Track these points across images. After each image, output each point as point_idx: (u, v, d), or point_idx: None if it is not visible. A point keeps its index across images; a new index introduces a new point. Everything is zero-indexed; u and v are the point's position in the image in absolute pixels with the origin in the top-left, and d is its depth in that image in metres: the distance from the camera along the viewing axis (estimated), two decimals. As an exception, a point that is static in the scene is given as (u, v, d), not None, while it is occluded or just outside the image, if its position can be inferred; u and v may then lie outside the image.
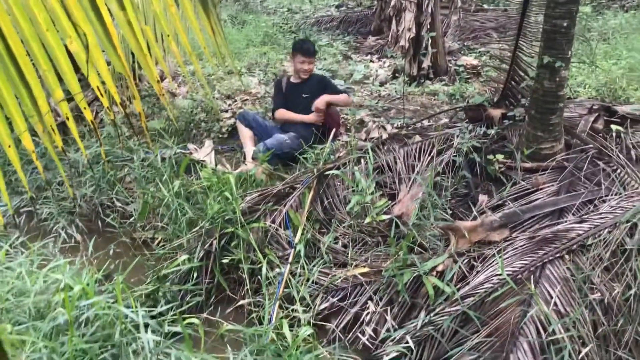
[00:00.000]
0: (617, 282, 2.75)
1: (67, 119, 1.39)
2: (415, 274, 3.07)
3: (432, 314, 2.88)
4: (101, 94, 1.37)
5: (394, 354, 2.85)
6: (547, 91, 3.59)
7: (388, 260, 3.29)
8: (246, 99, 6.22)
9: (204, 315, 3.22)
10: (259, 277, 3.31)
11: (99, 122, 5.62)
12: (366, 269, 3.29)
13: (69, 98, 1.63)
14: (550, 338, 2.56)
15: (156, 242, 3.99)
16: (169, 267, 3.34)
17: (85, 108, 1.55)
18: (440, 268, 3.10)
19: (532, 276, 2.83)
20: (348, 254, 3.46)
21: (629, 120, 4.09)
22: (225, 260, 3.38)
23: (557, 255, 2.91)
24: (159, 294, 3.22)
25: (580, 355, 2.50)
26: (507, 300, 2.71)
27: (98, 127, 5.29)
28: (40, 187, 4.56)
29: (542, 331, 2.60)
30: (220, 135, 5.52)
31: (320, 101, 4.90)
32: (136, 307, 2.55)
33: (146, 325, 2.44)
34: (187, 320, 2.64)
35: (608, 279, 2.78)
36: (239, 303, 3.33)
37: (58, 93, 1.57)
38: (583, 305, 2.68)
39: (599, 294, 2.72)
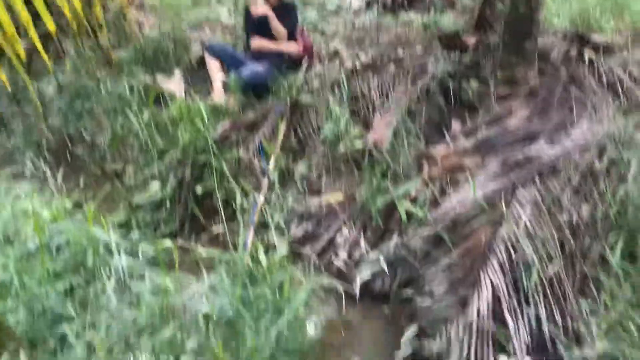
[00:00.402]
0: (585, 203, 2.81)
1: (27, 23, 1.32)
2: (388, 200, 3.09)
3: (405, 237, 2.92)
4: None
5: (367, 277, 2.90)
6: (522, 15, 3.54)
7: (362, 187, 3.30)
8: (216, 29, 6.02)
9: (179, 242, 3.21)
10: (233, 206, 3.29)
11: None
12: (340, 196, 3.29)
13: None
14: (519, 257, 2.62)
15: (127, 174, 3.91)
16: (142, 196, 3.30)
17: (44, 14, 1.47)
18: (413, 193, 3.12)
19: (503, 199, 2.87)
20: (322, 181, 3.45)
21: (601, 48, 4.09)
22: (198, 189, 3.34)
23: (529, 178, 2.95)
24: (132, 222, 3.19)
25: (548, 273, 2.57)
26: (478, 220, 2.76)
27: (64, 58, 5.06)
28: (3, 119, 4.40)
29: (512, 251, 2.66)
30: (190, 67, 5.35)
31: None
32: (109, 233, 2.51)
33: (119, 250, 2.42)
34: (161, 245, 2.62)
35: (577, 200, 2.83)
36: (214, 231, 3.33)
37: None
38: (552, 225, 2.73)
39: (567, 215, 2.78)
